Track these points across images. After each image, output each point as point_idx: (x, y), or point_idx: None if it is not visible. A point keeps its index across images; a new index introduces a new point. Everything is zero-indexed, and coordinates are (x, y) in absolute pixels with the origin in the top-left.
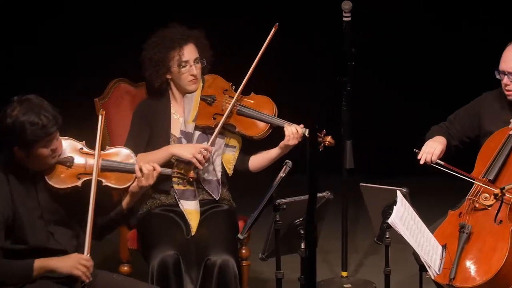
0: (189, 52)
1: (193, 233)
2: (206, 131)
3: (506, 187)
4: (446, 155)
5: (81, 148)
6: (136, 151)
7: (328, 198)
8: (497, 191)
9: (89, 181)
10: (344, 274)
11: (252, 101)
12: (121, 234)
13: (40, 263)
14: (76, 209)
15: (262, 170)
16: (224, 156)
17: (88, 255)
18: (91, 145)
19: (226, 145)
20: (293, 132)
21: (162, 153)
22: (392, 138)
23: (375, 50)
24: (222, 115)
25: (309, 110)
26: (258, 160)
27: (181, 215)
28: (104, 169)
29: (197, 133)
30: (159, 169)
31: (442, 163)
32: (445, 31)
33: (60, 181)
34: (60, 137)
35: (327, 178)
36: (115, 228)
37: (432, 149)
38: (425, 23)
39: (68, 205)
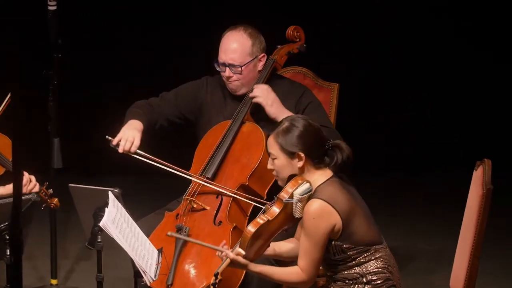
0: None
1: None
2: None
3: (220, 269)
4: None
5: None
6: None
7: (35, 200)
8: (213, 279)
9: None
10: (54, 281)
11: None
12: None
13: None
14: None
15: None
16: None
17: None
18: None
19: None
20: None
21: None
22: (98, 136)
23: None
24: None
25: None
26: None
27: None
28: None
29: None
30: None
31: (143, 153)
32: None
33: None
34: None
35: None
36: None
37: (132, 138)
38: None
39: None
